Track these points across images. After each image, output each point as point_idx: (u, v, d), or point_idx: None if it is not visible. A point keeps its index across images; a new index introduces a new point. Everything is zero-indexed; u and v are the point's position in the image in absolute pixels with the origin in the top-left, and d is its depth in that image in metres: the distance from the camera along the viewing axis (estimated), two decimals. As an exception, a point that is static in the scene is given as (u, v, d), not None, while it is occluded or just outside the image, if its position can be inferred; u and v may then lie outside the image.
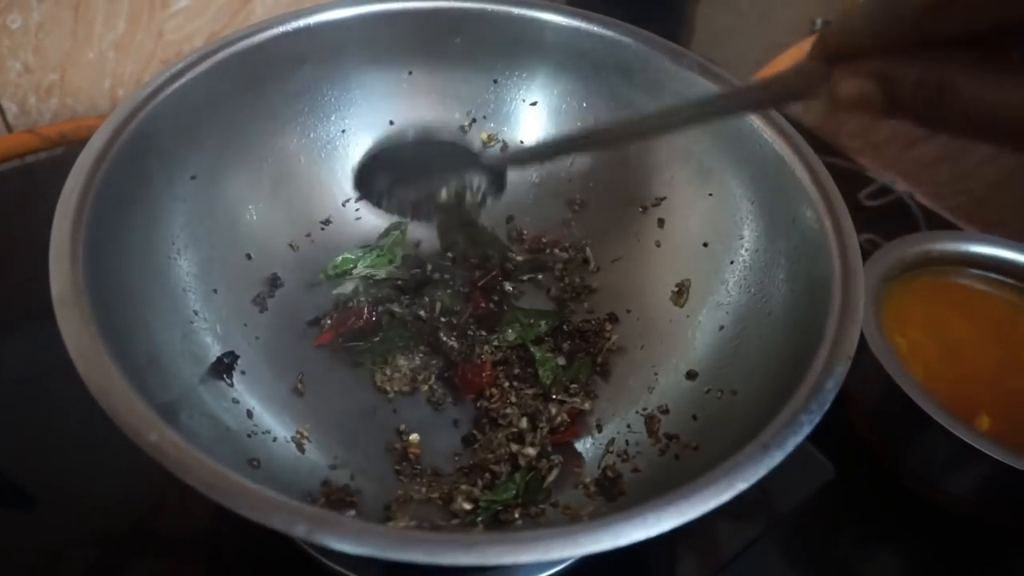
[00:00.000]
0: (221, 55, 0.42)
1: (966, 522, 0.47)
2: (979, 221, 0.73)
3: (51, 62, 0.67)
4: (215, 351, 0.40)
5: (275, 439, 0.39)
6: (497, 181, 0.42)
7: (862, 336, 0.44)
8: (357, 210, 0.50)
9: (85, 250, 0.32)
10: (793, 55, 0.71)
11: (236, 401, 0.38)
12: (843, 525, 0.47)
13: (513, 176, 0.51)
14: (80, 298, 0.30)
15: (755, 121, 0.43)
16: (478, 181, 0.42)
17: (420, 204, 0.43)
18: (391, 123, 0.50)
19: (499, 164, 0.43)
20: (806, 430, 0.29)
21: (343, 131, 0.49)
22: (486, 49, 0.49)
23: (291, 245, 0.47)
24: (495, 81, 0.50)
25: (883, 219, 0.70)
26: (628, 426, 0.42)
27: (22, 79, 0.66)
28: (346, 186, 0.49)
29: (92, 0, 0.65)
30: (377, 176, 0.43)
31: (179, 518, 0.43)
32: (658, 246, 0.47)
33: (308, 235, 0.48)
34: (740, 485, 0.27)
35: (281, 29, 0.44)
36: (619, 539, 0.25)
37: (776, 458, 0.28)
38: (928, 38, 0.22)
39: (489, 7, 0.48)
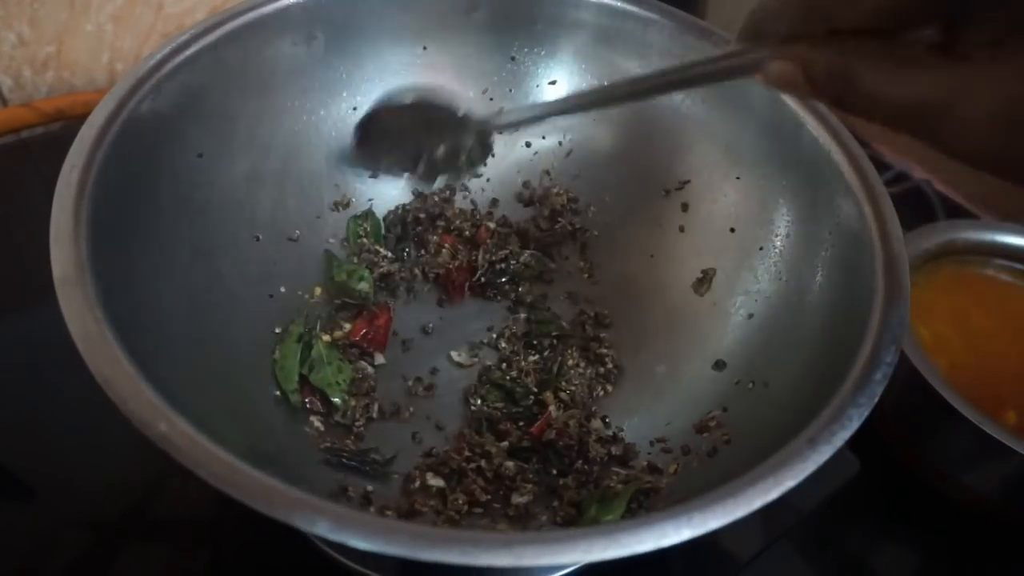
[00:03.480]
0: (227, 27, 0.40)
1: (989, 519, 0.46)
2: (996, 208, 0.72)
3: (47, 34, 0.65)
4: (223, 335, 0.38)
5: (287, 422, 0.37)
6: (483, 146, 0.44)
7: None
8: (370, 200, 0.48)
9: (88, 229, 0.30)
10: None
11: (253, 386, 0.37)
12: (864, 521, 0.46)
13: (535, 153, 0.50)
14: (84, 279, 0.29)
15: (790, 103, 0.41)
16: (468, 143, 0.44)
17: (416, 164, 0.45)
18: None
19: (489, 126, 0.43)
20: (855, 424, 0.27)
21: (354, 108, 0.47)
22: (504, 24, 0.47)
23: (301, 226, 0.45)
24: (512, 58, 0.48)
25: (900, 206, 0.68)
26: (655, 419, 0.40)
27: (17, 51, 0.64)
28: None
29: (90, -31, 0.63)
30: (373, 140, 0.44)
31: (182, 501, 0.42)
32: (682, 231, 0.45)
33: (318, 216, 0.46)
34: (788, 483, 0.26)
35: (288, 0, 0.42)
36: (663, 539, 0.24)
37: (824, 454, 0.26)
38: (836, 28, 0.23)
39: (507, -20, 0.46)
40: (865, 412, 0.28)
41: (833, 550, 0.45)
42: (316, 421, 0.39)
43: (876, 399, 0.28)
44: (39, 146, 0.63)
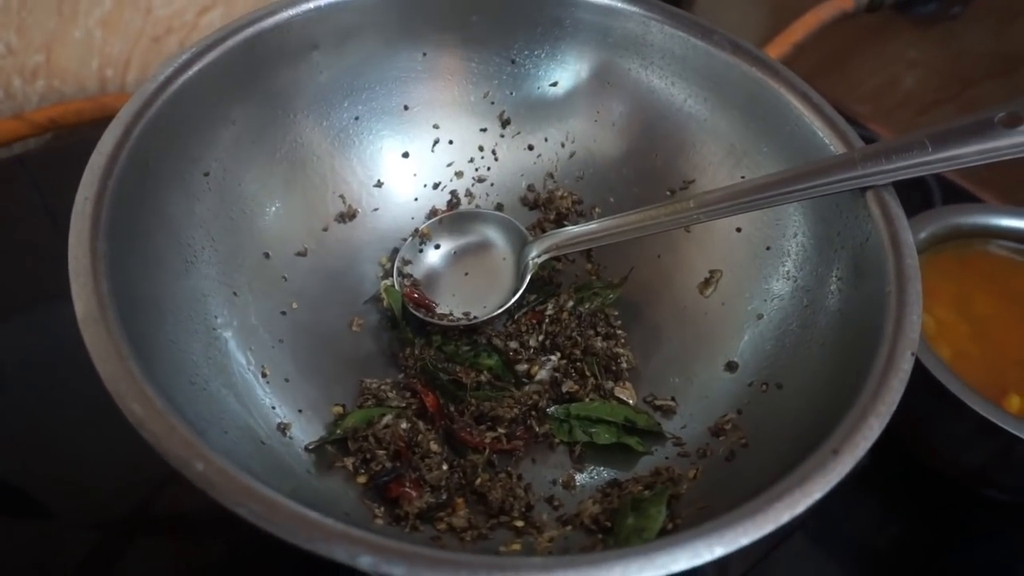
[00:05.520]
0: (228, 43, 0.40)
1: (996, 505, 0.46)
2: (993, 187, 0.72)
3: (36, 42, 0.64)
4: (238, 359, 0.38)
5: (309, 449, 0.37)
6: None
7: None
8: (376, 209, 0.48)
9: (106, 264, 0.30)
10: (809, 22, 0.69)
11: (274, 408, 0.37)
12: (871, 511, 0.47)
13: (538, 156, 0.50)
14: (106, 316, 0.29)
15: (791, 100, 0.42)
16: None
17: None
18: (405, 108, 0.48)
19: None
20: (876, 433, 0.28)
21: (356, 118, 0.47)
22: (504, 28, 0.47)
23: (308, 240, 0.45)
24: (513, 61, 0.48)
25: (897, 189, 0.69)
26: (669, 420, 0.41)
27: (5, 61, 0.63)
28: (361, 174, 0.47)
29: (76, -25, 0.62)
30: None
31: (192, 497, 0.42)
32: (688, 232, 0.45)
33: (325, 229, 0.46)
34: (815, 494, 0.26)
35: (291, 12, 0.42)
36: (696, 559, 0.24)
37: (848, 464, 0.27)
38: None
39: (506, -17, 0.46)
40: (885, 420, 0.28)
41: (843, 537, 0.46)
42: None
43: (895, 406, 0.29)
44: (35, 160, 0.63)
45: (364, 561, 0.24)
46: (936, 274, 0.51)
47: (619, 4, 0.45)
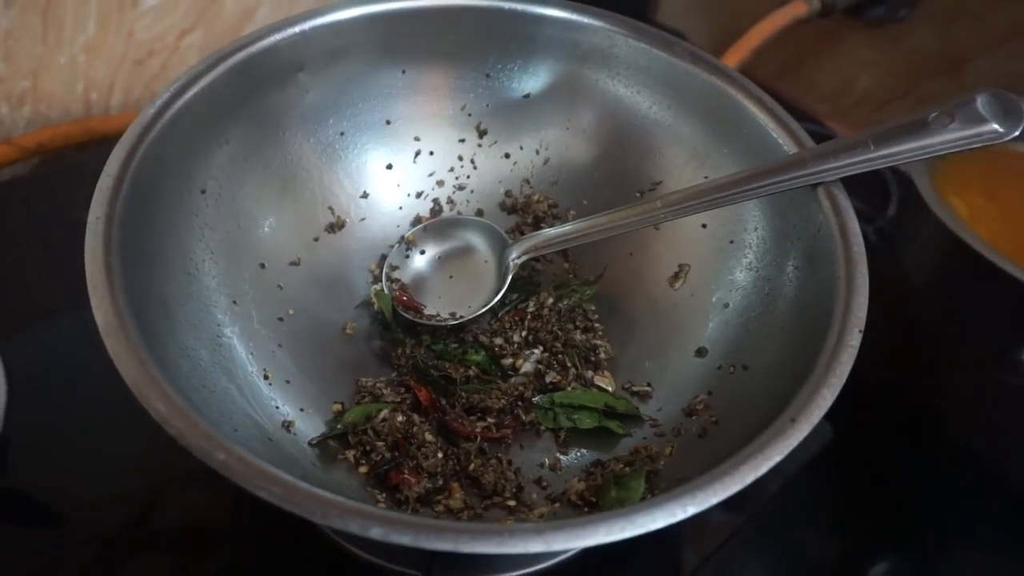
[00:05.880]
0: (221, 68, 0.42)
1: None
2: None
3: (22, 69, 0.66)
4: (243, 362, 0.41)
5: (312, 444, 0.40)
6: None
7: (918, 200, 0.44)
8: (363, 219, 0.50)
9: (119, 277, 0.33)
10: (766, 28, 0.72)
11: (277, 407, 0.40)
12: (840, 480, 0.51)
13: (515, 163, 0.53)
14: (124, 325, 0.31)
15: (748, 105, 0.45)
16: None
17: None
18: (388, 122, 0.51)
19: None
20: (829, 402, 0.31)
21: (341, 133, 0.50)
22: (478, 44, 0.50)
23: (301, 250, 0.48)
24: (487, 75, 0.51)
25: (855, 179, 0.72)
26: (646, 404, 0.44)
27: (-6, 88, 0.65)
28: (348, 186, 0.50)
29: (61, 3, 0.64)
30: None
31: (194, 510, 0.45)
32: (657, 229, 0.49)
33: (316, 239, 0.48)
34: (775, 458, 0.29)
35: (277, 36, 0.45)
36: (672, 517, 0.27)
37: (804, 430, 0.30)
38: None
39: (479, 3, 0.49)
40: (836, 391, 0.32)
41: (812, 511, 0.49)
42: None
43: (844, 378, 0.32)
44: (23, 184, 0.65)
45: (375, 532, 0.26)
46: (966, 161, 0.51)
47: (586, 19, 0.49)
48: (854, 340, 0.33)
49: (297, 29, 0.45)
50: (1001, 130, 0.37)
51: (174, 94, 0.40)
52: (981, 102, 0.38)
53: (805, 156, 0.40)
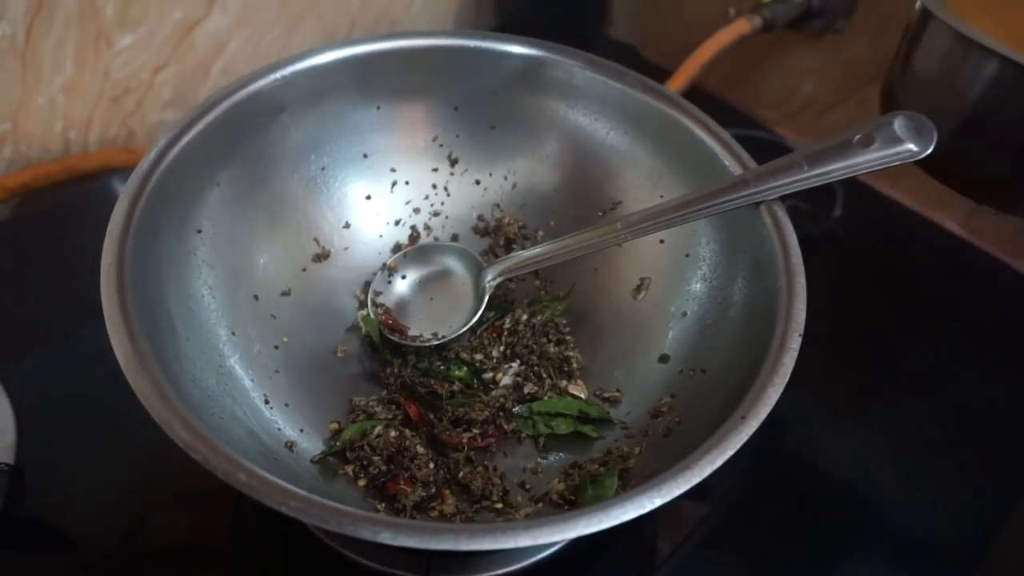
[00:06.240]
0: (209, 116, 0.46)
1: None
2: (884, 177, 0.82)
3: (2, 112, 0.68)
4: (245, 389, 0.44)
5: (314, 461, 0.44)
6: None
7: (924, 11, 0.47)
8: (346, 248, 0.54)
9: (135, 316, 0.36)
10: (712, 46, 0.77)
11: (279, 429, 0.43)
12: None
13: (485, 189, 0.57)
14: (144, 362, 0.34)
15: (694, 129, 0.49)
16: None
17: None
18: (365, 156, 0.54)
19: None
20: (774, 400, 0.36)
21: (323, 168, 0.53)
22: (446, 80, 0.54)
23: (291, 280, 0.51)
24: (456, 108, 0.55)
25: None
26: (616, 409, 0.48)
27: (-26, 133, 0.67)
28: (331, 218, 0.54)
29: (38, 47, 0.66)
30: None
31: (194, 528, 0.48)
32: (619, 247, 0.53)
33: (304, 270, 0.52)
34: (729, 452, 0.34)
35: (260, 83, 0.48)
36: (642, 509, 0.32)
37: (752, 426, 0.35)
38: None
39: (447, 42, 0.53)
40: (780, 389, 0.36)
41: (775, 493, 0.54)
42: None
43: (787, 377, 0.37)
44: (2, 222, 0.67)
45: (385, 536, 0.30)
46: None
47: (544, 54, 0.53)
48: (794, 344, 0.38)
49: (278, 75, 0.49)
50: (916, 149, 0.42)
51: (168, 143, 0.44)
52: (898, 124, 0.43)
53: (748, 177, 0.45)
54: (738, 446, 0.34)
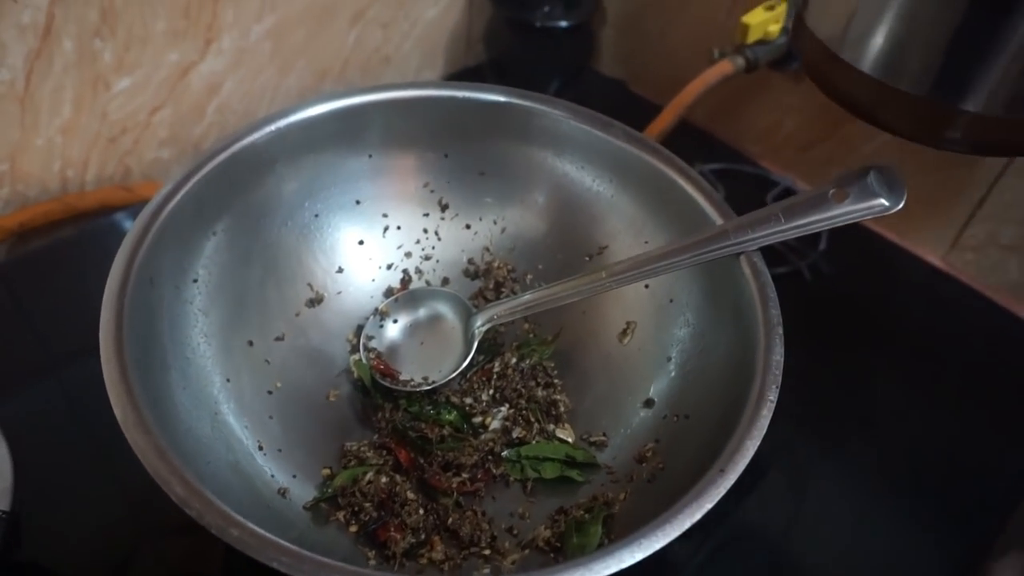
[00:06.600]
0: (206, 169, 0.47)
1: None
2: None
3: (1, 153, 0.69)
4: (238, 436, 0.45)
5: (306, 507, 0.45)
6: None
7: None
8: (339, 293, 0.55)
9: (134, 371, 0.37)
10: (697, 87, 0.79)
11: (272, 476, 0.44)
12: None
13: (475, 233, 0.58)
14: (142, 418, 0.36)
15: (676, 178, 0.51)
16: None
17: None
18: (357, 202, 0.56)
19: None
20: (751, 452, 0.37)
21: (316, 215, 0.54)
22: (435, 129, 0.55)
23: (284, 326, 0.52)
24: (446, 155, 0.57)
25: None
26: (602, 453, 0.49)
27: (-28, 174, 0.68)
28: (324, 263, 0.55)
29: (37, 90, 0.68)
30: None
31: (190, 559, 0.48)
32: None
33: (297, 314, 0.53)
34: (708, 505, 0.35)
35: (255, 136, 0.49)
36: (623, 563, 0.33)
37: (731, 479, 0.36)
38: None
39: (435, 92, 0.54)
40: (758, 441, 0.38)
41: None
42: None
43: (764, 430, 0.38)
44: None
45: (375, 592, 0.31)
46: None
47: (531, 104, 0.54)
48: (772, 395, 0.39)
49: (272, 127, 0.50)
50: (887, 204, 0.44)
51: (166, 196, 0.45)
52: (872, 178, 0.45)
53: (727, 228, 0.46)
54: (717, 499, 0.35)
